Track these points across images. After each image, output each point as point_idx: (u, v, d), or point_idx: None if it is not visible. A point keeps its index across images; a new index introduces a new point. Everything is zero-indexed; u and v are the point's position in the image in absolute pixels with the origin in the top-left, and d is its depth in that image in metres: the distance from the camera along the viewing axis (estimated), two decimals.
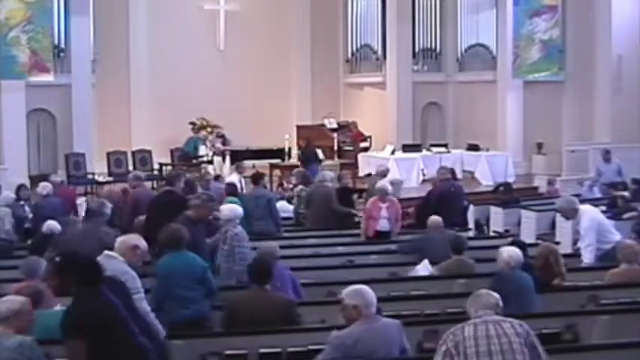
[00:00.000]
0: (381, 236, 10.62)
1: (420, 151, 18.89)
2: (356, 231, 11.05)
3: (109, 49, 19.92)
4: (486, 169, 18.44)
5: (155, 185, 17.21)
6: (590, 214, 8.80)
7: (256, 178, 11.81)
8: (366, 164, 18.03)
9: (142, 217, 9.26)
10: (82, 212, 12.31)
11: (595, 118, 19.05)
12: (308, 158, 17.25)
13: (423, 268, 8.49)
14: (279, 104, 22.51)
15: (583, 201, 10.65)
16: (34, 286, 5.88)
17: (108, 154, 18.91)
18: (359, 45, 23.19)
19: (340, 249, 10.12)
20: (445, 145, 19.37)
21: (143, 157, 19.37)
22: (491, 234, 12.73)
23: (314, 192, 12.04)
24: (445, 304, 6.88)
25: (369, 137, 21.62)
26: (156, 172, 18.71)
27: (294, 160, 18.50)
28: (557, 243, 9.72)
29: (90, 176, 17.90)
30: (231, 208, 8.27)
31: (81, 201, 13.77)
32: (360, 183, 16.51)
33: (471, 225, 12.73)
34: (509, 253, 6.77)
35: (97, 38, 19.41)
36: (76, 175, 17.80)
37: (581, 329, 6.29)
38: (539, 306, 6.69)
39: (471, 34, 21.46)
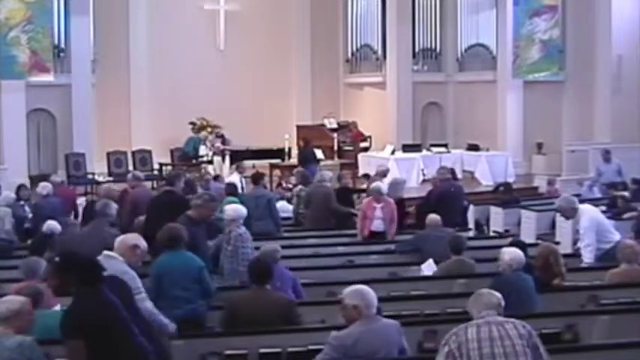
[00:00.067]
0: (376, 237, 10.58)
1: (420, 151, 18.87)
2: (355, 231, 11.04)
3: (109, 49, 19.92)
4: (486, 169, 18.42)
5: (155, 185, 17.22)
6: (590, 213, 8.79)
7: (256, 178, 11.81)
8: (366, 164, 18.00)
9: (142, 218, 9.26)
10: (82, 212, 12.35)
11: (595, 118, 19.04)
12: (306, 158, 17.26)
13: (428, 268, 8.48)
14: (279, 104, 22.51)
15: (583, 201, 10.62)
16: (34, 286, 5.88)
17: (108, 154, 18.91)
18: (359, 45, 23.19)
19: (340, 249, 10.12)
20: (445, 145, 19.35)
21: (143, 157, 19.37)
22: (491, 234, 12.73)
23: (313, 192, 12.05)
24: (445, 304, 6.87)
25: (369, 137, 21.62)
26: (156, 172, 18.72)
27: (294, 160, 18.51)
28: (557, 243, 9.72)
29: (90, 176, 17.90)
30: (235, 209, 8.26)
31: (81, 201, 13.77)
32: (360, 183, 16.50)
33: (471, 225, 12.73)
34: (511, 254, 6.76)
35: (97, 38, 19.41)
36: (76, 175, 17.80)
37: (581, 329, 6.29)
38: (540, 306, 6.69)
39: (471, 34, 21.46)
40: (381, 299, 5.41)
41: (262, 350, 5.78)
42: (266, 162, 18.45)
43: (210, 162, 18.31)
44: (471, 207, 13.18)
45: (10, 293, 5.48)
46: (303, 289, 7.34)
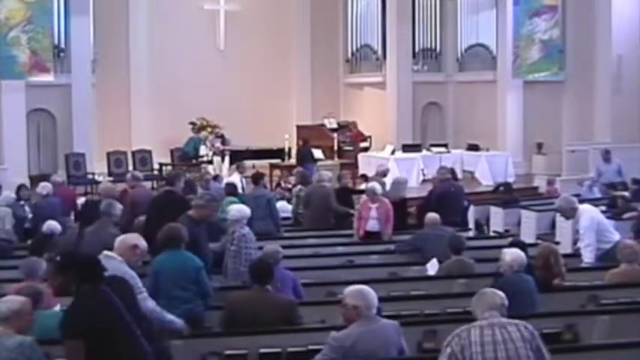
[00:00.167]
0: (371, 237, 10.56)
1: (420, 151, 18.88)
2: (352, 231, 11.03)
3: (109, 49, 19.91)
4: (486, 169, 18.43)
5: (155, 185, 17.22)
6: (590, 213, 8.79)
7: (256, 178, 11.82)
8: (366, 164, 18.00)
9: (142, 218, 9.26)
10: (80, 213, 12.32)
11: (595, 118, 19.04)
12: (304, 158, 17.29)
13: (432, 267, 8.48)
14: (279, 104, 22.51)
15: (583, 201, 10.63)
16: (34, 287, 5.87)
17: (108, 154, 18.91)
18: (359, 45, 23.19)
19: (340, 249, 10.12)
20: (445, 145, 19.35)
21: (143, 157, 19.37)
22: (492, 234, 12.72)
23: (312, 192, 12.04)
24: (445, 304, 6.88)
25: (369, 137, 21.61)
26: (156, 172, 18.72)
27: (294, 161, 18.50)
28: (557, 243, 9.72)
29: (90, 176, 17.90)
30: (239, 209, 8.27)
31: (81, 201, 13.76)
32: (359, 183, 16.49)
33: (471, 225, 12.72)
34: (513, 255, 6.73)
35: (97, 38, 19.41)
36: (76, 175, 17.80)
37: (581, 329, 6.29)
38: (540, 307, 6.69)
39: (471, 34, 21.46)
40: (381, 299, 5.40)
41: (262, 350, 5.78)
42: (266, 162, 18.46)
43: (210, 162, 18.30)
44: (471, 207, 13.17)
45: (10, 293, 5.48)
46: (303, 289, 7.34)
